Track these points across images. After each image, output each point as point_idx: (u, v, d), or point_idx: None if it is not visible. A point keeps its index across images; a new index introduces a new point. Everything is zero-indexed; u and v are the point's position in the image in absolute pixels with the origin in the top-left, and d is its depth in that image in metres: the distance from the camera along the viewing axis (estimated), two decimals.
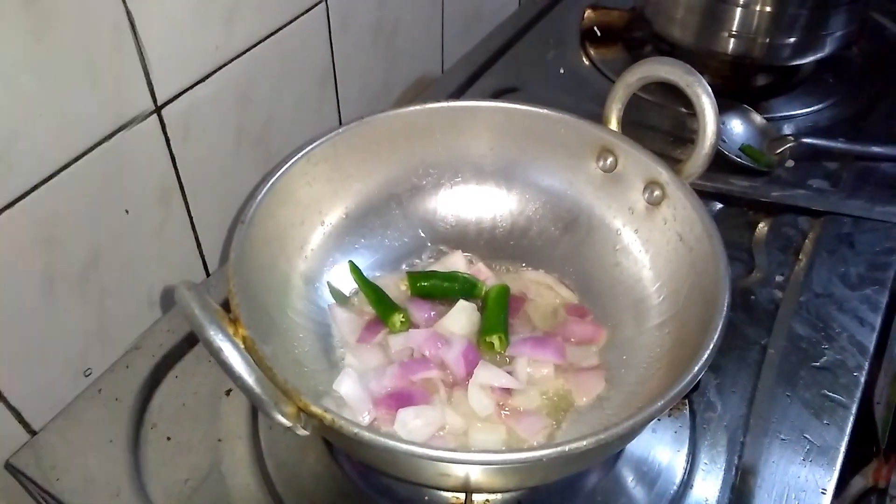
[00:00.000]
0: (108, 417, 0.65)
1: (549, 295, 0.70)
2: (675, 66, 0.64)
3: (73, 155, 0.61)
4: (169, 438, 0.63)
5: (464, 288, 0.69)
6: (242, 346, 0.51)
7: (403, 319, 0.66)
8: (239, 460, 0.63)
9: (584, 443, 0.48)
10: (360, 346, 0.65)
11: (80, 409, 0.66)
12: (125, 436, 0.63)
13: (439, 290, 0.69)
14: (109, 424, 0.64)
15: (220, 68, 0.72)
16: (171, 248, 0.75)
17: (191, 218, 0.76)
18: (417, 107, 0.70)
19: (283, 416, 0.48)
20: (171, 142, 0.70)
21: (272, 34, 0.77)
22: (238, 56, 0.74)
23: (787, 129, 0.92)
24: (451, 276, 0.70)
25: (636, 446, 0.64)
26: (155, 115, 0.67)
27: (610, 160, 0.69)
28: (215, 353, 0.45)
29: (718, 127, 0.62)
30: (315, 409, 0.48)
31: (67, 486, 0.60)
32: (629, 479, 0.63)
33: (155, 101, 0.67)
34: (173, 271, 0.77)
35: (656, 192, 0.66)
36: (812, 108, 0.96)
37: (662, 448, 0.64)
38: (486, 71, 1.06)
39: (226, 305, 0.52)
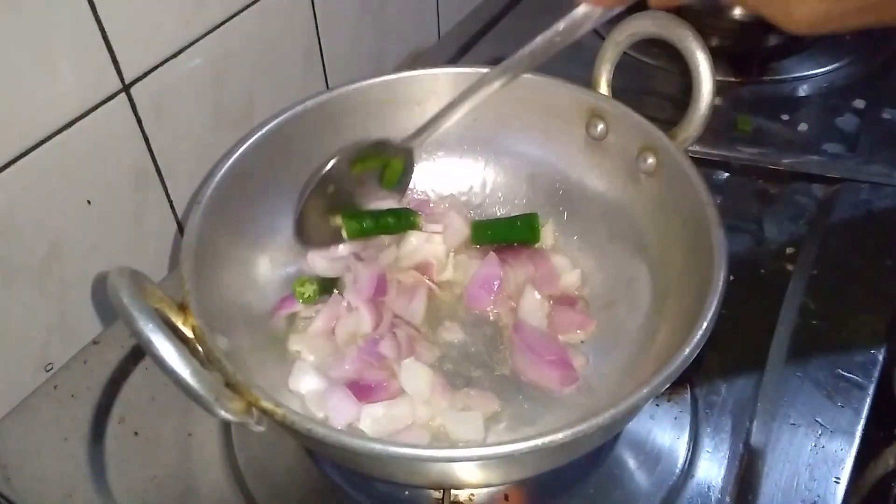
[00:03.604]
0: (64, 414, 0.62)
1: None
2: (666, 20, 0.58)
3: (33, 141, 0.59)
4: (137, 433, 0.61)
5: (406, 221, 0.67)
6: (192, 335, 0.49)
7: (313, 292, 0.64)
8: (209, 455, 0.60)
9: (560, 436, 0.44)
10: (308, 334, 0.62)
11: (34, 406, 0.63)
12: (81, 433, 0.61)
13: (380, 228, 0.67)
14: (65, 422, 0.62)
15: (192, 43, 0.69)
16: (151, 235, 0.73)
17: (170, 202, 0.74)
18: (387, 77, 0.66)
19: (228, 412, 0.44)
20: (144, 122, 0.68)
21: (248, 6, 0.74)
22: (212, 30, 0.71)
23: (802, 91, 0.88)
24: (388, 212, 0.68)
25: (633, 433, 0.60)
26: (123, 94, 0.65)
27: (601, 127, 0.64)
28: (145, 346, 0.41)
29: (714, 86, 0.57)
30: (265, 403, 0.45)
31: (18, 486, 0.57)
32: (625, 468, 0.59)
33: (122, 79, 0.64)
34: (154, 258, 0.74)
35: (650, 160, 0.61)
36: (827, 68, 0.92)
37: (662, 435, 0.60)
38: (482, 38, 1.02)
39: None
